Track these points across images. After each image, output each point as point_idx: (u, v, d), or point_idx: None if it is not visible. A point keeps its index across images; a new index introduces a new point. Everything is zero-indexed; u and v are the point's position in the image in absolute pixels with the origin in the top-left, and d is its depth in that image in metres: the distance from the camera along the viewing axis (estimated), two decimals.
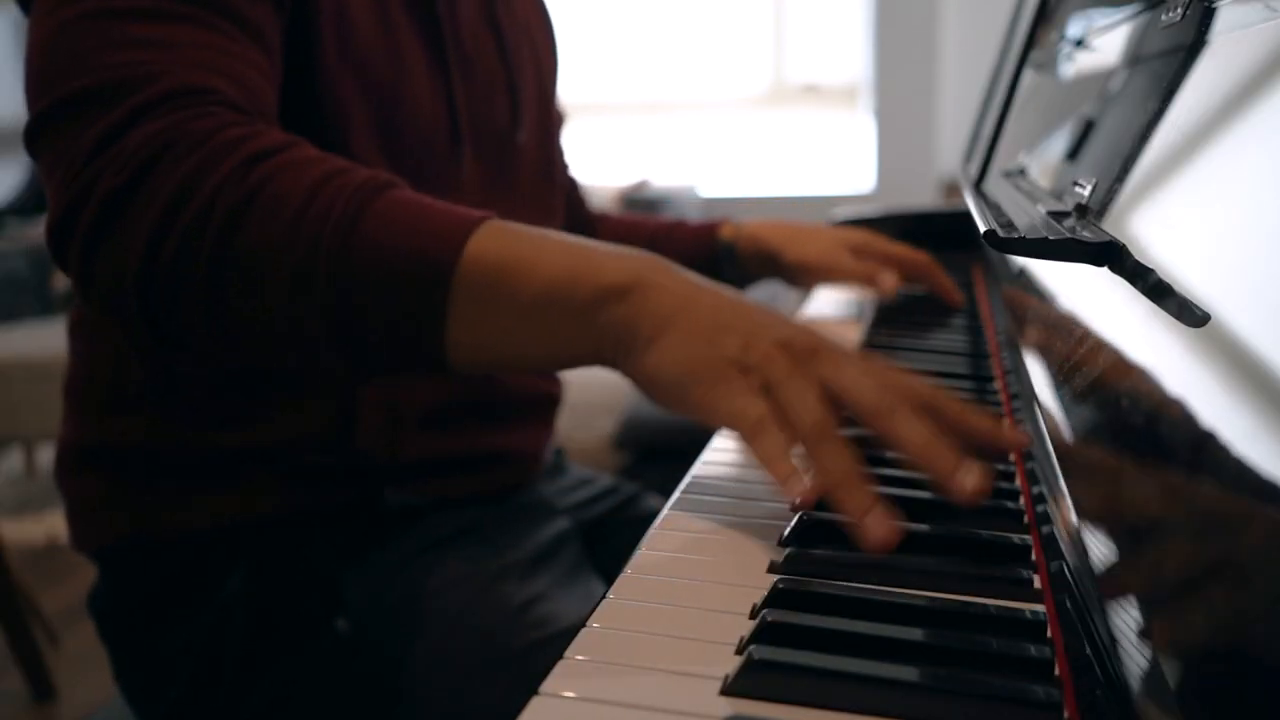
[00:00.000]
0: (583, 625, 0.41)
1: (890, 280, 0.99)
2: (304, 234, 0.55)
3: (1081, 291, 0.55)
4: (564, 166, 1.04)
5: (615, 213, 1.15)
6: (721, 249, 1.06)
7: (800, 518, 0.50)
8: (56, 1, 0.62)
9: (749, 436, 0.51)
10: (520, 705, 0.35)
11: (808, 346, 0.52)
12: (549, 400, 0.92)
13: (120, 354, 0.77)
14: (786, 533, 0.49)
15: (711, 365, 0.52)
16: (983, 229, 0.59)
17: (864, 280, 1.01)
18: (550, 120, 0.98)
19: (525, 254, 0.55)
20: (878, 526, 0.46)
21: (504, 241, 0.55)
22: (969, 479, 0.48)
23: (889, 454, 0.52)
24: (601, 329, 0.54)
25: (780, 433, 0.50)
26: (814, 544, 0.48)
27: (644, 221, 1.12)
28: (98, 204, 0.56)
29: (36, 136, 0.61)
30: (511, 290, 0.55)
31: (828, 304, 1.15)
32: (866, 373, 0.52)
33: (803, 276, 1.04)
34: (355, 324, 0.55)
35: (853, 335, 0.94)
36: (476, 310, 0.55)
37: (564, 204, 1.01)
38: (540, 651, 0.69)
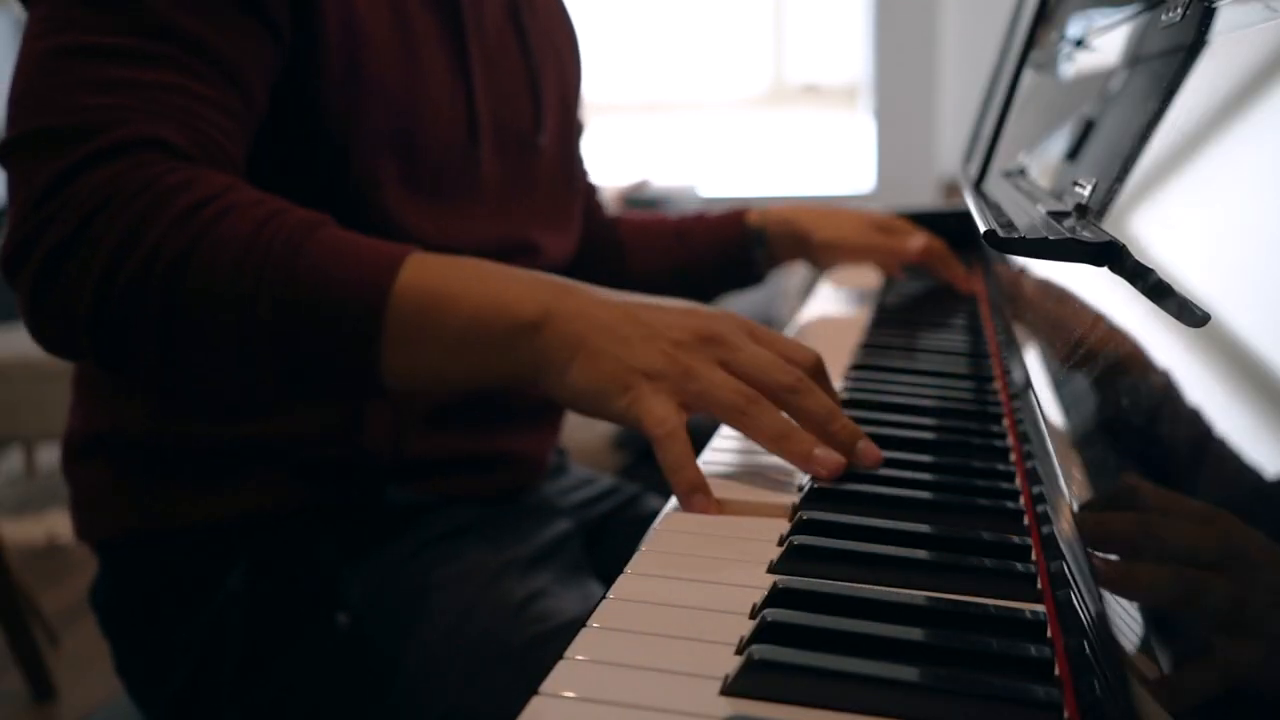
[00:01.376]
0: (583, 625, 0.41)
1: (919, 242, 1.07)
2: (246, 275, 0.59)
3: (1081, 291, 0.55)
4: (584, 173, 1.05)
5: (632, 213, 1.15)
6: (752, 234, 1.09)
7: (800, 517, 0.50)
8: (42, 30, 0.65)
9: (654, 441, 0.55)
10: (521, 700, 0.35)
11: (703, 335, 0.58)
12: (553, 405, 0.92)
13: None
14: (787, 532, 0.49)
15: (619, 378, 0.57)
16: (983, 229, 0.59)
17: (893, 254, 1.07)
18: (571, 126, 0.98)
19: (448, 289, 0.60)
20: (826, 460, 0.55)
21: (428, 274, 0.60)
22: (869, 452, 0.56)
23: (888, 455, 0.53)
24: (518, 359, 0.59)
25: (682, 440, 0.55)
26: (814, 544, 0.48)
27: (664, 219, 1.14)
28: (45, 251, 0.60)
29: (5, 157, 0.64)
30: (436, 323, 0.59)
31: (829, 302, 1.15)
32: (761, 351, 0.58)
33: (831, 256, 1.09)
34: (298, 354, 0.60)
35: (855, 333, 0.94)
36: (406, 340, 0.60)
37: (582, 211, 1.01)
38: (541, 647, 0.69)
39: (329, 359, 0.60)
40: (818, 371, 0.60)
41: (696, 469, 0.54)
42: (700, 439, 0.65)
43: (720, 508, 0.54)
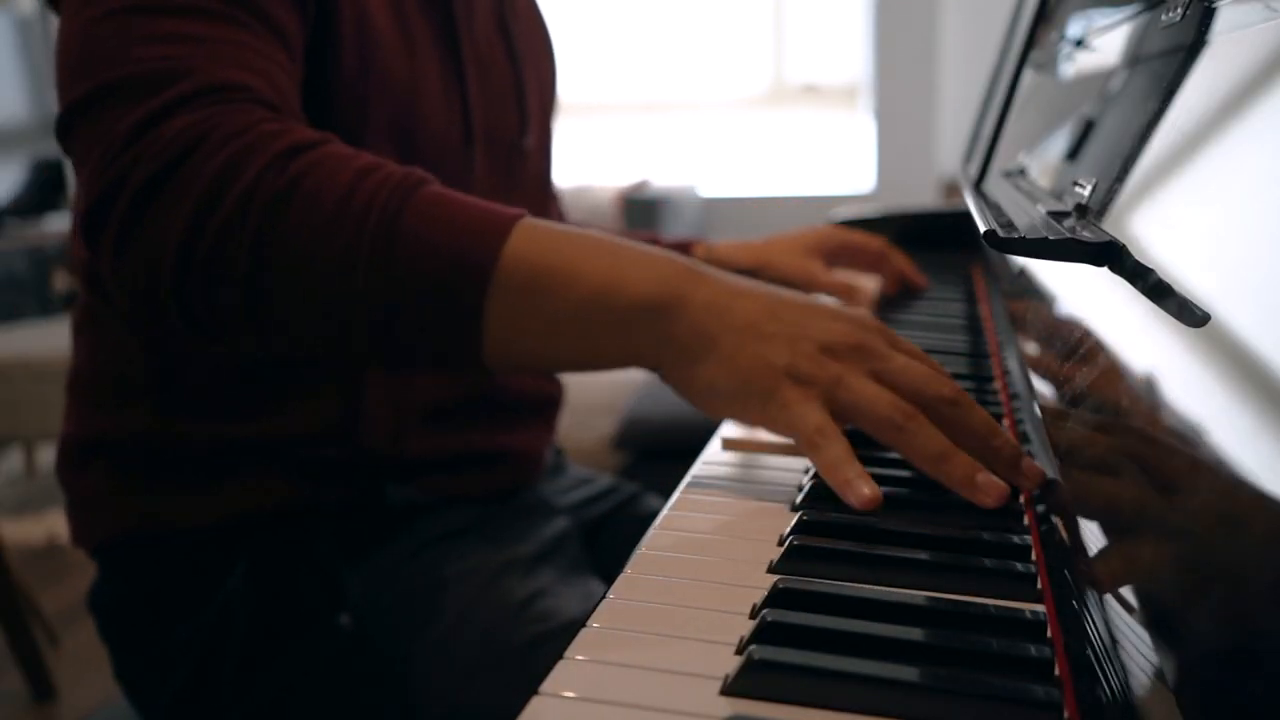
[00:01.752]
0: (583, 625, 0.41)
1: (863, 295, 1.00)
2: (346, 226, 0.55)
3: (1081, 291, 0.55)
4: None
5: (593, 225, 1.14)
6: None
7: (800, 517, 0.50)
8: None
9: (809, 445, 0.52)
10: (522, 700, 0.35)
11: (849, 344, 0.54)
12: (550, 401, 0.92)
13: (124, 348, 0.77)
14: (787, 532, 0.49)
15: (763, 378, 0.53)
16: (983, 229, 0.59)
17: (839, 292, 1.00)
18: (548, 130, 0.99)
19: (560, 260, 0.56)
20: (989, 486, 0.50)
21: (539, 245, 0.56)
22: (1033, 470, 0.51)
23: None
24: (639, 342, 0.55)
25: (840, 440, 0.51)
26: (814, 544, 0.48)
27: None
28: (133, 191, 0.57)
29: (70, 126, 0.61)
30: (547, 297, 0.55)
31: (829, 302, 1.15)
32: (913, 362, 0.54)
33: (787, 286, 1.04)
34: (394, 318, 0.56)
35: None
36: (512, 313, 0.56)
37: (558, 215, 1.02)
38: (542, 646, 0.69)
39: (427, 331, 0.56)
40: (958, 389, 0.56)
41: (856, 465, 0.51)
42: (700, 437, 0.65)
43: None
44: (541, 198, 0.95)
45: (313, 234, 0.55)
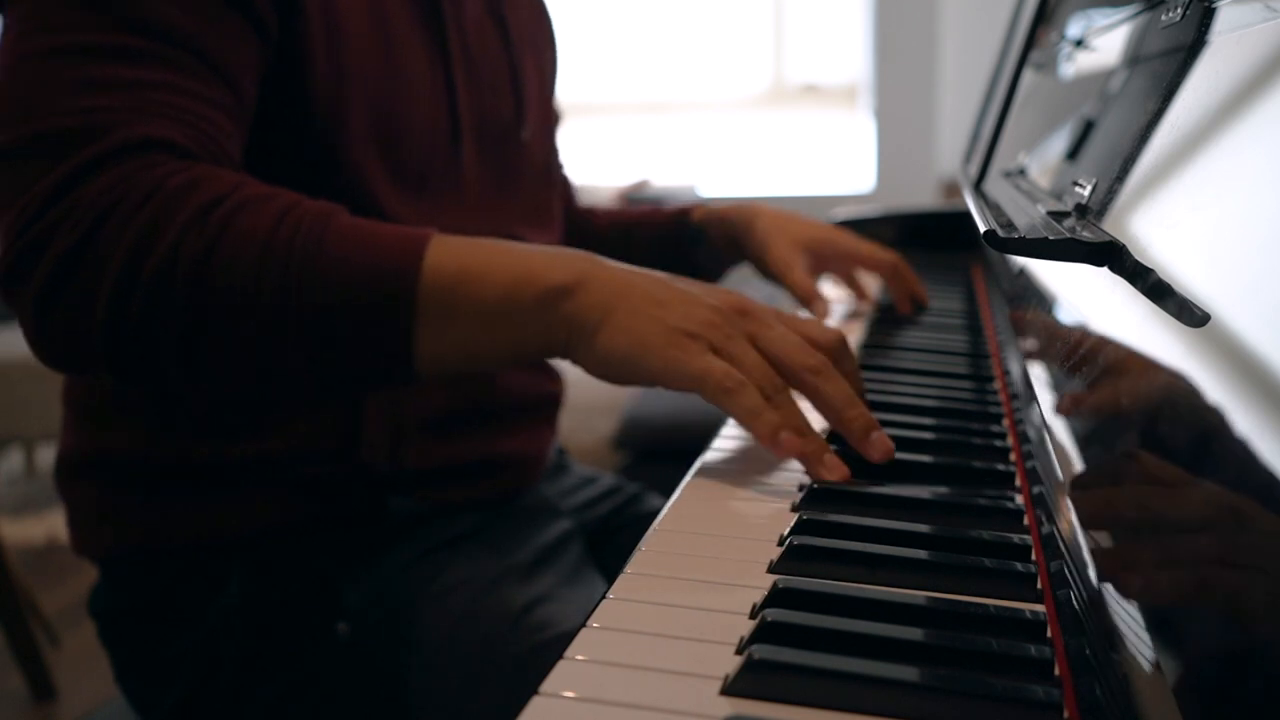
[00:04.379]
0: (583, 625, 0.41)
1: (821, 309, 0.94)
2: (271, 269, 0.58)
3: (1081, 291, 0.55)
4: (560, 167, 1.03)
5: (601, 207, 1.14)
6: (692, 232, 1.04)
7: (800, 517, 0.50)
8: (22, 33, 0.63)
9: (724, 393, 0.55)
10: (522, 708, 0.35)
11: (737, 309, 0.59)
12: (550, 401, 0.91)
13: None
14: (787, 532, 0.49)
15: (660, 334, 0.57)
16: (983, 229, 0.59)
17: (801, 297, 0.96)
18: (551, 119, 0.97)
19: (477, 264, 0.60)
20: (835, 466, 0.55)
21: (455, 254, 0.60)
22: (882, 443, 0.57)
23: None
24: (552, 323, 0.59)
25: (755, 390, 0.55)
26: (814, 544, 0.48)
27: (622, 211, 1.12)
28: (53, 260, 0.58)
29: None
30: (469, 298, 0.59)
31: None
32: (789, 333, 0.59)
33: (760, 269, 1.00)
34: (329, 346, 0.59)
35: (854, 335, 0.94)
36: (439, 319, 0.59)
37: (561, 209, 1.00)
38: (542, 655, 0.68)
39: (361, 348, 0.59)
40: (841, 350, 0.62)
41: (773, 411, 0.55)
42: (700, 437, 0.65)
43: (819, 445, 0.56)
44: (543, 190, 0.93)
45: (239, 286, 0.58)
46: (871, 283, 1.10)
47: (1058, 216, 0.58)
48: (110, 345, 0.59)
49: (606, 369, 0.59)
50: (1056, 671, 0.37)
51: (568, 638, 0.40)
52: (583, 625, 0.41)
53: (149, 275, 0.57)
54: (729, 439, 0.64)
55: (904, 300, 1.03)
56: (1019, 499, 0.53)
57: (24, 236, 0.59)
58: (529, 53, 0.91)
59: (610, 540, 0.92)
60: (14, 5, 0.64)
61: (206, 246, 0.58)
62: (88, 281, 0.58)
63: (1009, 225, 0.66)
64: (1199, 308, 0.36)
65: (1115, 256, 0.47)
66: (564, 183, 1.06)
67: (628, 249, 1.05)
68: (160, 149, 0.61)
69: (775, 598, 0.42)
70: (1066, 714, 0.35)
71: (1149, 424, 0.38)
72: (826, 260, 1.03)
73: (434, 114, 0.79)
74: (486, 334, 0.60)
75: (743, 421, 0.56)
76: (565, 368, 0.74)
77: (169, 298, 0.58)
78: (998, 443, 0.63)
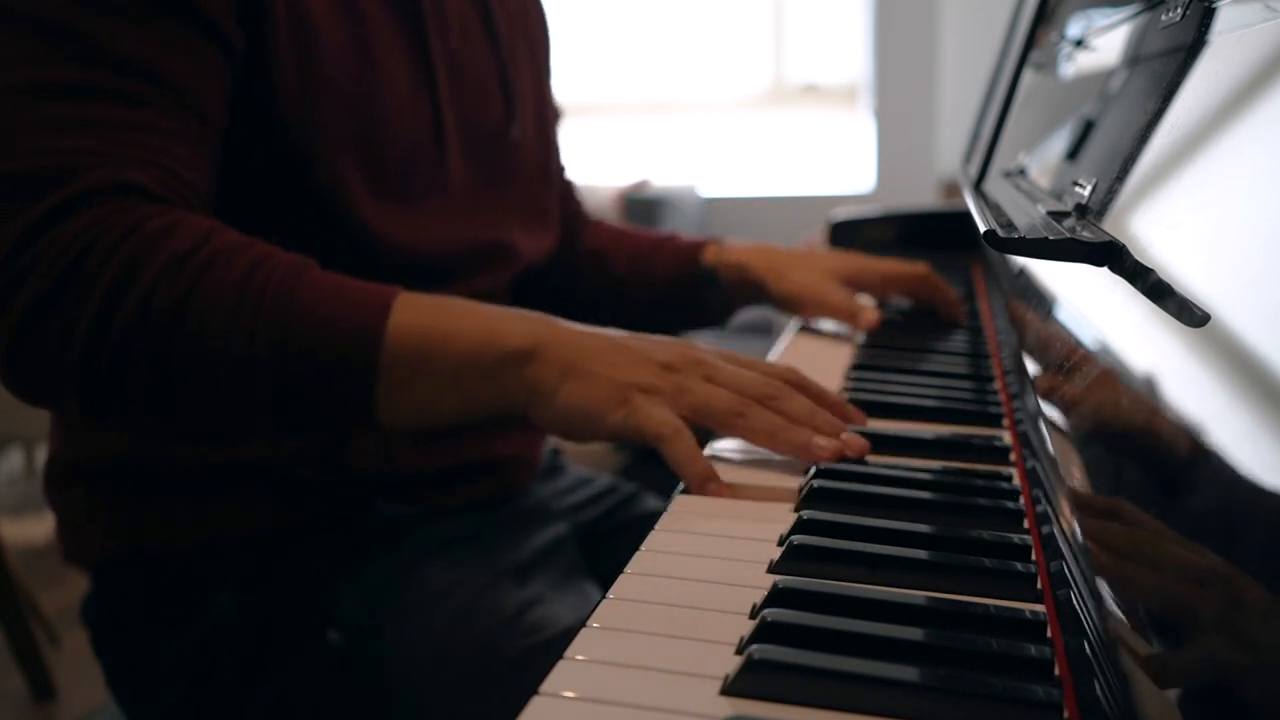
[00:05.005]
0: (583, 625, 0.41)
1: (870, 316, 0.93)
2: (241, 325, 0.60)
3: (1081, 291, 0.55)
4: (560, 167, 1.01)
5: (607, 221, 1.11)
6: (702, 274, 1.00)
7: (800, 517, 0.50)
8: None
9: (658, 440, 0.57)
10: (517, 711, 0.35)
11: (689, 359, 0.61)
12: None
13: None
14: (787, 532, 0.49)
15: (615, 392, 0.59)
16: (983, 229, 0.59)
17: (853, 318, 0.93)
18: (547, 115, 0.95)
19: (438, 327, 0.62)
20: (824, 446, 0.58)
21: (419, 312, 0.62)
22: (821, 449, 0.58)
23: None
24: (510, 387, 0.61)
25: (688, 433, 0.58)
26: (814, 544, 0.48)
27: (630, 233, 1.07)
28: (24, 305, 0.59)
29: None
30: (430, 361, 0.61)
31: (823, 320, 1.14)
32: (741, 370, 0.62)
33: (790, 308, 0.97)
34: (294, 396, 0.61)
35: (845, 350, 0.93)
36: (400, 380, 0.61)
37: (558, 206, 0.97)
38: (537, 656, 0.68)
39: (323, 401, 0.61)
40: (799, 378, 0.64)
41: (706, 461, 0.57)
42: (701, 437, 0.65)
43: (733, 491, 0.57)
44: (537, 194, 0.91)
45: (210, 337, 0.60)
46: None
47: (1058, 216, 0.58)
48: (84, 386, 0.60)
49: (566, 429, 0.61)
50: (1056, 671, 0.37)
51: (563, 639, 0.40)
52: (583, 625, 0.41)
53: (121, 323, 0.59)
54: (729, 439, 0.64)
55: (950, 308, 0.99)
56: (1019, 499, 0.53)
57: None
58: (521, 46, 0.89)
59: (606, 541, 0.91)
60: None
61: (180, 296, 0.59)
62: (62, 325, 0.59)
63: (1009, 225, 0.66)
64: (1199, 308, 0.36)
65: (1115, 256, 0.47)
66: (565, 185, 1.03)
67: (648, 284, 1.02)
68: (132, 193, 0.61)
69: (775, 598, 0.42)
70: (1066, 714, 0.35)
71: (1148, 424, 0.38)
72: (861, 286, 0.99)
73: (415, 117, 0.77)
74: (446, 395, 0.62)
75: (691, 462, 0.57)
76: None
77: (140, 345, 0.59)
78: (997, 443, 0.63)
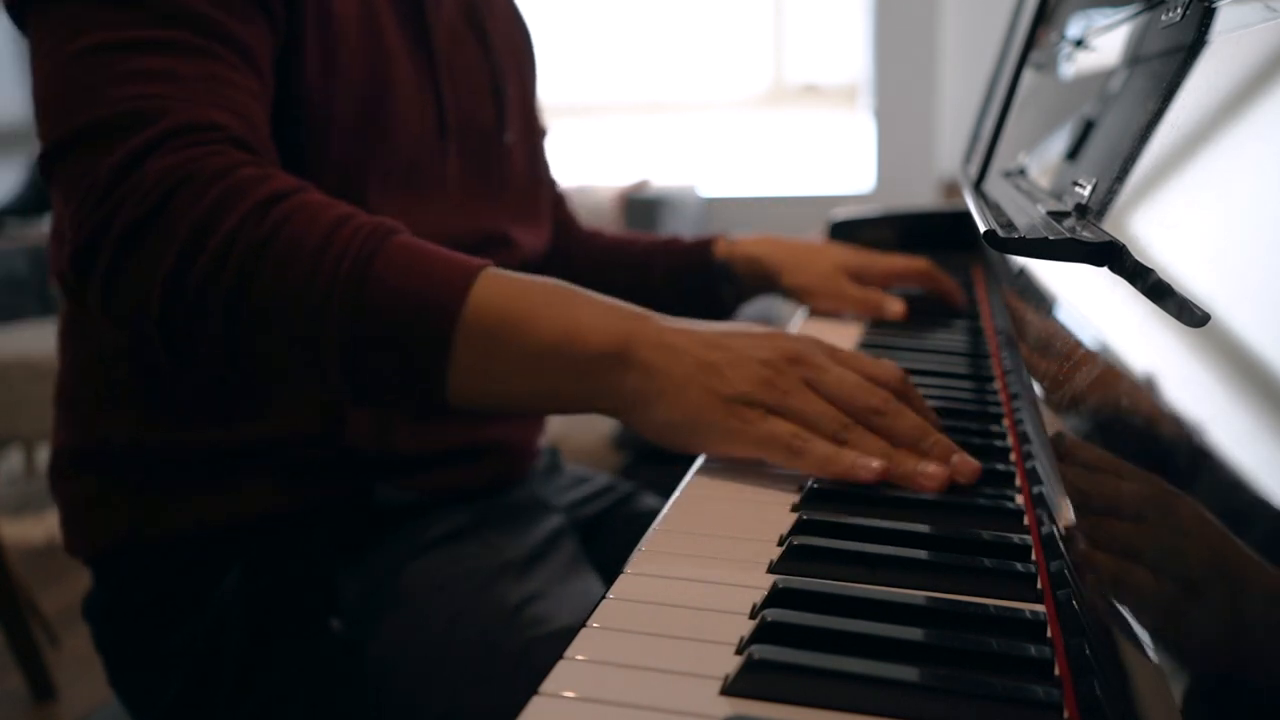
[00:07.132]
0: (582, 625, 0.41)
1: (897, 307, 0.97)
2: (320, 276, 0.59)
3: (1081, 291, 0.55)
4: (550, 179, 1.04)
5: (608, 231, 1.12)
6: (716, 267, 1.03)
7: (800, 517, 0.50)
8: (61, 37, 0.64)
9: (793, 454, 0.54)
10: (517, 704, 0.35)
11: (789, 357, 0.57)
12: None
13: (109, 355, 0.78)
14: (787, 532, 0.49)
15: (717, 408, 0.56)
16: (983, 229, 0.59)
17: (867, 309, 0.98)
18: (535, 129, 0.98)
19: (522, 310, 0.59)
20: (934, 474, 0.53)
21: (502, 293, 0.60)
22: (965, 465, 0.55)
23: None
24: (596, 389, 0.59)
25: (816, 436, 0.54)
26: (814, 544, 0.48)
27: (637, 239, 1.10)
28: (117, 236, 0.60)
29: (52, 166, 0.64)
30: (509, 345, 0.59)
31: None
32: (847, 372, 0.57)
33: (803, 299, 1.02)
34: (364, 361, 0.59)
35: (853, 335, 0.94)
36: (475, 357, 0.59)
37: (551, 212, 1.01)
38: (537, 650, 0.69)
39: (393, 373, 0.60)
40: (904, 387, 0.59)
41: (844, 453, 0.54)
42: None
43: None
44: (530, 197, 0.94)
45: (290, 280, 0.59)
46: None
47: (1058, 216, 0.58)
48: (163, 322, 0.61)
49: (666, 442, 0.58)
50: (1056, 671, 0.37)
51: (563, 634, 0.41)
52: (582, 625, 0.41)
53: (205, 260, 0.59)
54: None
55: (952, 295, 1.02)
56: (1019, 499, 0.53)
57: (90, 220, 0.61)
58: (510, 62, 0.92)
59: (604, 538, 0.92)
60: (47, 13, 0.66)
61: (264, 238, 0.59)
62: (149, 260, 0.60)
63: (1009, 225, 0.66)
64: (1199, 308, 0.36)
65: (1115, 256, 0.47)
66: (558, 200, 1.06)
67: (645, 279, 1.04)
68: (218, 132, 0.63)
69: (775, 598, 0.42)
70: (1066, 714, 0.35)
71: (1148, 424, 0.38)
72: (865, 280, 1.02)
73: (421, 113, 0.80)
74: (522, 384, 0.60)
75: (819, 473, 0.54)
76: None
77: (219, 284, 0.59)
78: (998, 443, 0.63)
